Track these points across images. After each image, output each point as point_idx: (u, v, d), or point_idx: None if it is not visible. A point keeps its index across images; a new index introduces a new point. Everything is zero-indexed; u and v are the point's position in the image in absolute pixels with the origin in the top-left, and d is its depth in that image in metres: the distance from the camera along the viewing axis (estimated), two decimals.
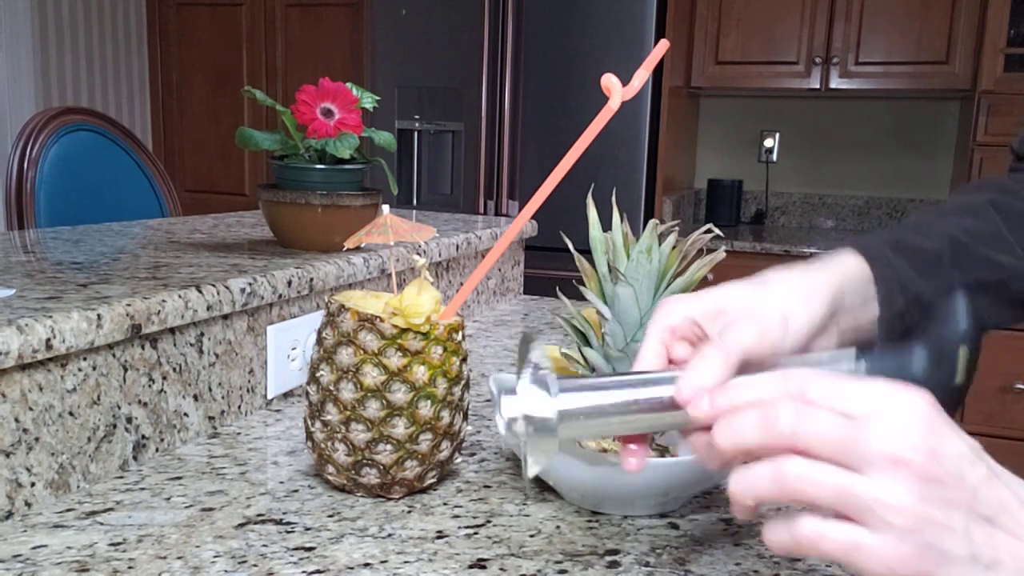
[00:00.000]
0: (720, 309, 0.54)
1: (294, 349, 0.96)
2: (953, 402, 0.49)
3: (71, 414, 0.70)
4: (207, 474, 0.76)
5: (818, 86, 2.98)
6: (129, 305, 0.72)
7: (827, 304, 0.55)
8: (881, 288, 0.59)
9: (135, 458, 0.77)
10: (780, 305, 0.54)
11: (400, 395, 0.67)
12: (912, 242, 0.62)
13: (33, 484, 0.67)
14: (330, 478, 0.71)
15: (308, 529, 0.65)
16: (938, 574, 0.39)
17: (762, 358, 0.51)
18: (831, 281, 0.57)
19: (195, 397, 0.83)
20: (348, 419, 0.68)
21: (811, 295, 0.55)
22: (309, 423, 0.71)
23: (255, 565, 0.60)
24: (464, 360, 0.71)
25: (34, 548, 0.61)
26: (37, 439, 0.67)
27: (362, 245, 0.74)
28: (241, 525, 0.66)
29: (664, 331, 0.53)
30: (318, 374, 0.69)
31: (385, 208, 0.73)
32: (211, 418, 0.86)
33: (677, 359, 0.52)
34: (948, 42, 2.82)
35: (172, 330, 0.79)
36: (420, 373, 0.68)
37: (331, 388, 0.68)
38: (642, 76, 0.65)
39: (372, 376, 0.67)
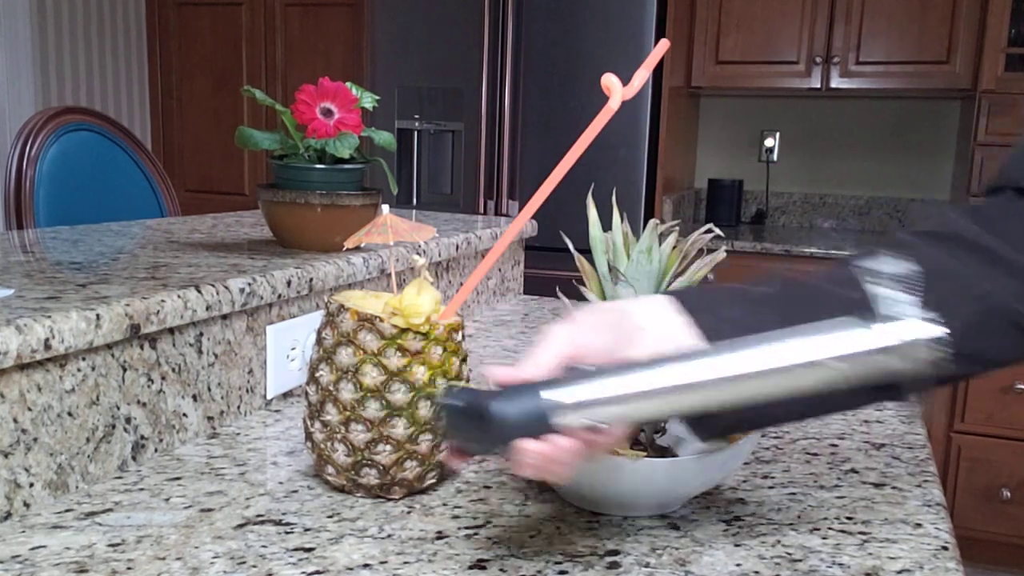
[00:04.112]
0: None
1: (293, 349, 0.96)
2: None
3: (70, 414, 0.70)
4: (206, 474, 0.75)
5: (818, 86, 2.98)
6: (128, 305, 0.72)
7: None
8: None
9: (134, 458, 0.77)
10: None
11: (400, 395, 0.67)
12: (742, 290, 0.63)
13: (32, 485, 0.67)
14: (330, 478, 0.71)
15: (307, 530, 0.65)
16: None
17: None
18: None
19: (194, 397, 0.83)
20: (348, 419, 0.68)
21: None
22: (308, 423, 0.71)
23: (254, 566, 0.59)
24: (464, 360, 0.71)
25: (33, 549, 0.61)
26: (36, 439, 0.67)
27: (362, 245, 0.73)
28: (240, 526, 0.66)
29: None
30: (318, 374, 0.69)
31: (385, 208, 0.73)
32: (210, 418, 0.86)
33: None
34: (949, 42, 2.82)
35: (171, 330, 0.79)
36: (420, 373, 0.67)
37: (331, 388, 0.68)
38: (642, 76, 0.65)
39: (372, 376, 0.67)
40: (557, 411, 0.52)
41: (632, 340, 0.57)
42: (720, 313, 0.60)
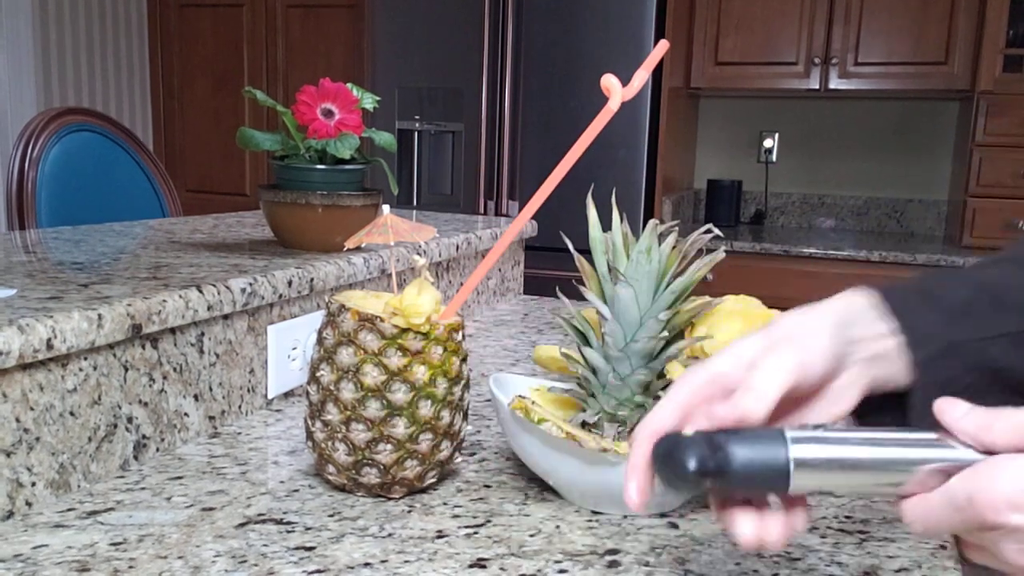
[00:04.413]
0: (740, 358, 0.51)
1: (294, 349, 0.96)
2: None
3: (72, 414, 0.70)
4: (207, 474, 0.76)
5: (817, 87, 2.98)
6: (130, 305, 0.73)
7: (830, 327, 0.52)
8: (896, 320, 0.54)
9: (136, 458, 0.77)
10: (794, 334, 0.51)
11: (400, 395, 0.67)
12: (931, 286, 0.56)
13: (34, 484, 0.67)
14: (330, 478, 0.71)
15: (308, 529, 0.66)
16: None
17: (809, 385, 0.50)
18: (833, 309, 0.53)
19: (196, 397, 0.84)
20: (348, 419, 0.68)
21: (816, 323, 0.52)
22: (309, 423, 0.71)
23: (255, 565, 0.60)
24: (464, 360, 0.72)
25: (35, 548, 0.61)
26: (38, 439, 0.67)
27: (362, 245, 0.74)
28: (241, 525, 0.66)
29: (686, 393, 0.50)
30: (318, 374, 0.70)
31: (385, 208, 0.73)
32: (211, 418, 0.86)
33: (714, 416, 0.48)
34: (947, 43, 2.83)
35: (173, 330, 0.80)
36: (420, 373, 0.68)
37: (331, 388, 0.68)
38: (642, 77, 0.65)
39: (372, 376, 0.67)
40: (799, 469, 0.45)
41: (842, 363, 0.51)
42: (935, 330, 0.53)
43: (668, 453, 0.46)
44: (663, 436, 0.48)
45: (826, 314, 0.53)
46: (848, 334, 0.52)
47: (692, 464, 0.45)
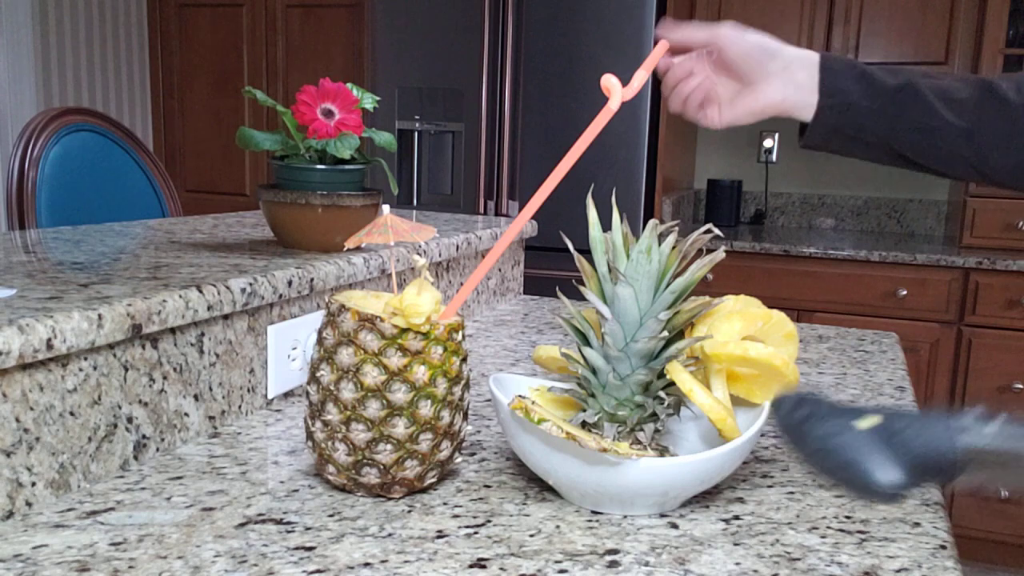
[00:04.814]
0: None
1: (294, 349, 0.96)
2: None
3: (72, 414, 0.70)
4: (207, 474, 0.76)
5: None
6: (130, 305, 0.73)
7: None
8: (823, 75, 0.78)
9: (136, 458, 0.77)
10: None
11: (400, 395, 0.67)
12: (871, 70, 0.79)
13: (34, 484, 0.67)
14: (330, 478, 0.71)
15: (308, 529, 0.66)
16: None
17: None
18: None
19: (195, 397, 0.84)
20: (348, 419, 0.68)
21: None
22: (309, 423, 0.71)
23: (255, 565, 0.60)
24: (464, 360, 0.72)
25: (35, 548, 0.61)
26: (38, 439, 0.67)
27: (362, 245, 0.74)
28: (241, 525, 0.66)
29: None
30: (318, 374, 0.70)
31: (385, 208, 0.73)
32: (211, 418, 0.86)
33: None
34: (947, 43, 2.83)
35: (173, 330, 0.80)
36: (420, 373, 0.68)
37: (331, 388, 0.69)
38: (642, 77, 0.65)
39: (372, 376, 0.67)
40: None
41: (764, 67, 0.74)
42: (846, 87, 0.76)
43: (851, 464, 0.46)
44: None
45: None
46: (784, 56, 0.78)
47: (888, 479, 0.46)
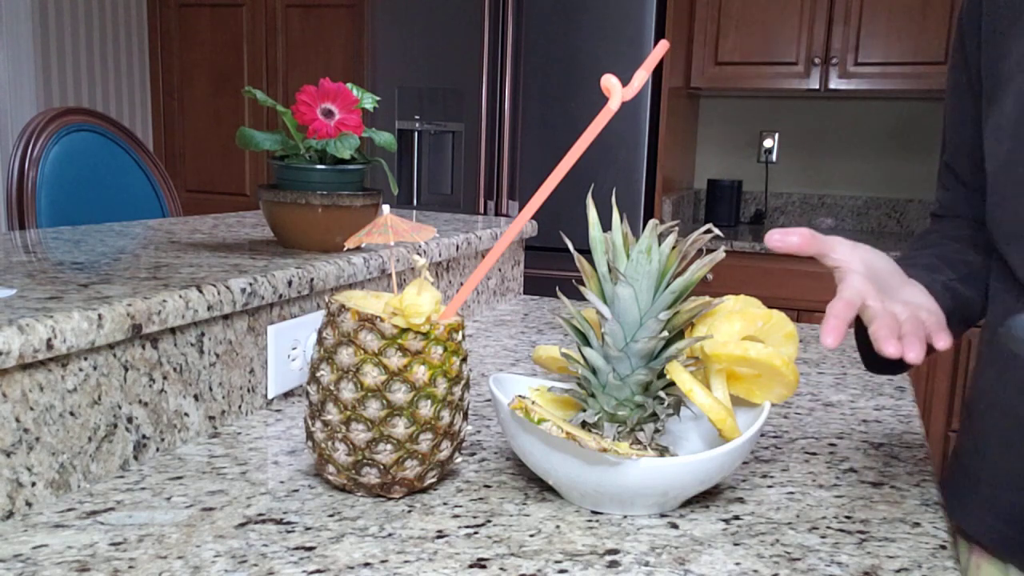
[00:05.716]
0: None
1: (294, 349, 0.96)
2: None
3: (72, 414, 0.70)
4: (207, 474, 0.76)
5: (817, 87, 2.98)
6: (130, 305, 0.73)
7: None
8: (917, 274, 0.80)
9: (136, 458, 0.77)
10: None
11: (400, 395, 0.67)
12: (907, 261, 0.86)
13: (34, 484, 0.67)
14: (330, 478, 0.71)
15: (308, 529, 0.66)
16: None
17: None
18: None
19: (196, 397, 0.84)
20: (348, 419, 0.68)
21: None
22: (309, 423, 0.71)
23: (255, 565, 0.60)
24: (464, 360, 0.72)
25: (35, 548, 0.61)
26: (38, 439, 0.67)
27: (362, 245, 0.74)
28: (241, 525, 0.66)
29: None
30: (318, 374, 0.70)
31: (385, 208, 0.73)
32: (211, 418, 0.86)
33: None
34: (947, 42, 2.83)
35: (173, 330, 0.80)
36: (420, 373, 0.68)
37: (331, 388, 0.69)
38: (642, 77, 0.65)
39: (372, 376, 0.67)
40: None
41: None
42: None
43: None
44: None
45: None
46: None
47: None
